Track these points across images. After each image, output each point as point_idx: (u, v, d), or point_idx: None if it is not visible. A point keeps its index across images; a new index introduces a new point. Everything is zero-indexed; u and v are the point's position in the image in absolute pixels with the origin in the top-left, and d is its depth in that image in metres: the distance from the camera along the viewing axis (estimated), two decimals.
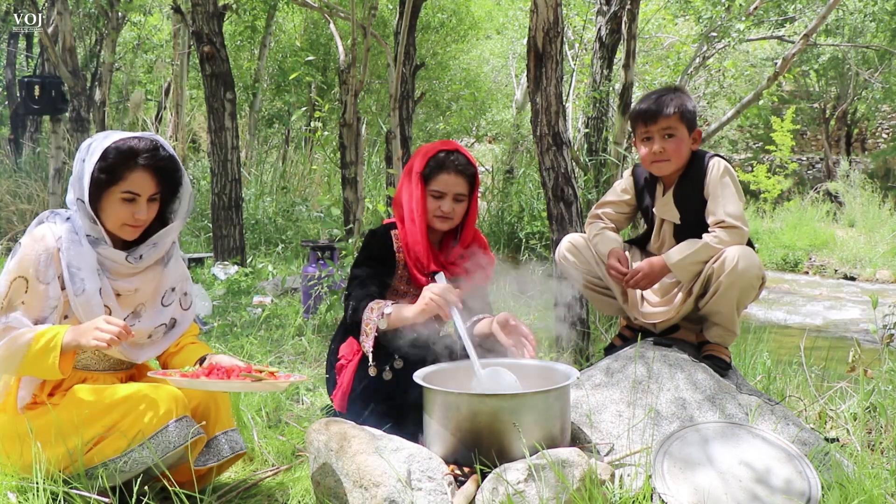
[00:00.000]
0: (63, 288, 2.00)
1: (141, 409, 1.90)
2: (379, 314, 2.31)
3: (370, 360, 2.33)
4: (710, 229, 2.58)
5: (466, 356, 2.25)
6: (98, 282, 2.04)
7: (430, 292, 2.24)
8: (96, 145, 2.02)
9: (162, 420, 1.90)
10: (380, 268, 2.49)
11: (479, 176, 2.61)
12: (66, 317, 2.03)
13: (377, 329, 2.30)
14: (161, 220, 2.15)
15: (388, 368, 2.38)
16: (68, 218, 2.05)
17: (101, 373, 2.14)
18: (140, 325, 2.14)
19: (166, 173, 2.07)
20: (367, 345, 2.31)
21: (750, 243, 2.65)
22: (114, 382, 2.14)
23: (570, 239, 2.85)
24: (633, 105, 2.73)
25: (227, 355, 2.20)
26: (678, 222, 2.70)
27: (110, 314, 2.06)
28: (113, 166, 2.00)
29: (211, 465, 2.07)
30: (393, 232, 2.54)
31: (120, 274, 2.09)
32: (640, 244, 2.91)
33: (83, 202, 2.01)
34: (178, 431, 1.92)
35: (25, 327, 1.95)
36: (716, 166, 2.63)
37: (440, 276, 2.35)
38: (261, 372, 2.04)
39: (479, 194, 2.76)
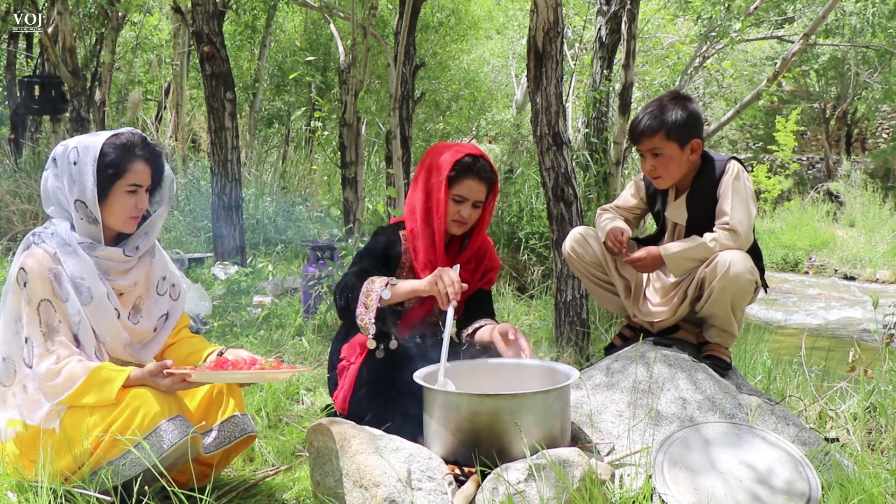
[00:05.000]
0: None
1: (132, 409, 1.91)
2: (382, 284, 2.26)
3: (370, 332, 2.27)
4: (713, 229, 2.57)
5: (460, 352, 2.26)
6: (103, 286, 2.07)
7: (446, 276, 2.20)
8: (86, 146, 2.04)
9: (154, 420, 1.91)
10: (380, 264, 2.46)
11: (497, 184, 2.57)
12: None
13: (380, 299, 2.25)
14: None
15: (381, 347, 2.34)
16: (53, 233, 2.05)
17: None
18: (143, 322, 2.18)
19: (155, 163, 2.15)
20: (369, 317, 2.25)
21: (756, 248, 2.64)
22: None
23: (579, 230, 2.84)
24: (632, 105, 2.71)
25: (244, 349, 2.22)
26: (685, 224, 2.70)
27: (119, 317, 2.09)
28: (117, 161, 2.05)
29: (220, 449, 2.08)
30: (401, 232, 2.52)
31: (118, 272, 2.12)
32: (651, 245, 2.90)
33: (84, 203, 2.03)
34: (172, 430, 1.91)
35: (73, 352, 1.98)
36: (731, 169, 2.60)
37: (457, 268, 2.29)
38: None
39: None
